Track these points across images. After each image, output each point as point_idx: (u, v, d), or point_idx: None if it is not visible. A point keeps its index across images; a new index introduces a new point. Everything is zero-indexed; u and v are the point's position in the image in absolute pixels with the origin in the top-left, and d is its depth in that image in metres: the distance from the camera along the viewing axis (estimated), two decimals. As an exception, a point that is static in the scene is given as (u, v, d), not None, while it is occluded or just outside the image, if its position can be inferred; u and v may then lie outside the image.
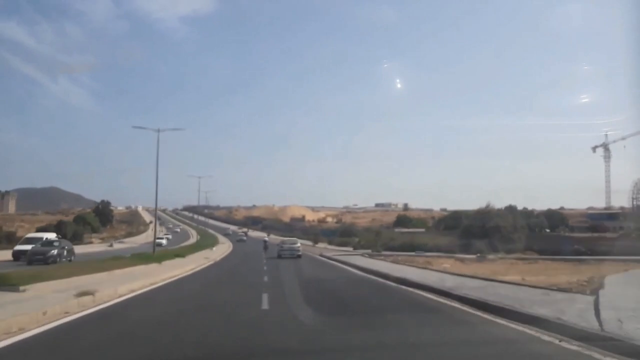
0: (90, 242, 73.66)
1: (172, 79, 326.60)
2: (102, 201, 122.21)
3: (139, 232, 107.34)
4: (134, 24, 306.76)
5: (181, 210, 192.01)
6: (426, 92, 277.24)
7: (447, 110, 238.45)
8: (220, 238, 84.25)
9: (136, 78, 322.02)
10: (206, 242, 63.87)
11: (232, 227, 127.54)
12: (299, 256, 33.90)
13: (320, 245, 65.17)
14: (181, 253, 31.70)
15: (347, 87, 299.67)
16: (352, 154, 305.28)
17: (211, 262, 28.91)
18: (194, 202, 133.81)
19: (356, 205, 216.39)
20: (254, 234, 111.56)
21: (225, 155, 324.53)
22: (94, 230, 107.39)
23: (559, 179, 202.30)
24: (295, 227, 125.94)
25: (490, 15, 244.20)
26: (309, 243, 66.99)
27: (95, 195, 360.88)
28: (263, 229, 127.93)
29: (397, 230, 65.52)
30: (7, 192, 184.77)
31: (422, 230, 66.34)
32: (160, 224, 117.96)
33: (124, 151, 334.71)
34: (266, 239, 62.26)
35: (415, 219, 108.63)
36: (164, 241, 62.72)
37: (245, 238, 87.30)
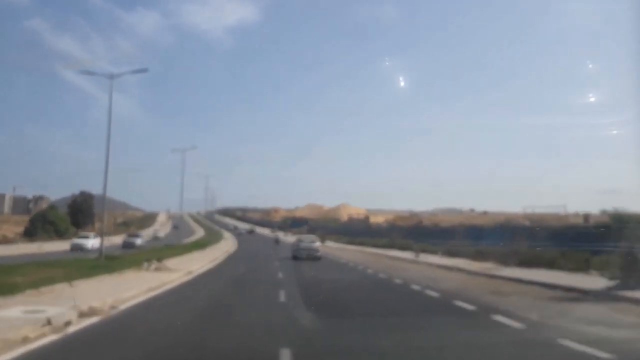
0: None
1: (215, 86, 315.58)
2: (82, 192, 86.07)
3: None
4: (180, 35, 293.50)
5: (215, 212, 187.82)
6: (431, 91, 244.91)
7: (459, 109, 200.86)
8: (226, 235, 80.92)
9: (183, 86, 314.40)
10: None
11: (237, 224, 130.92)
12: (318, 258, 28.30)
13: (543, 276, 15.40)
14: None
15: (366, 89, 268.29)
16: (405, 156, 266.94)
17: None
18: (227, 204, 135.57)
19: (412, 209, 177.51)
20: (288, 238, 72.32)
21: (265, 157, 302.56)
22: (58, 233, 71.94)
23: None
24: (358, 227, 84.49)
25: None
26: (450, 263, 25.37)
27: (138, 202, 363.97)
28: (309, 231, 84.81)
29: None
30: (40, 197, 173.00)
31: None
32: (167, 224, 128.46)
33: (166, 159, 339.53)
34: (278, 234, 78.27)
35: None
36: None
37: (243, 231, 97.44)
